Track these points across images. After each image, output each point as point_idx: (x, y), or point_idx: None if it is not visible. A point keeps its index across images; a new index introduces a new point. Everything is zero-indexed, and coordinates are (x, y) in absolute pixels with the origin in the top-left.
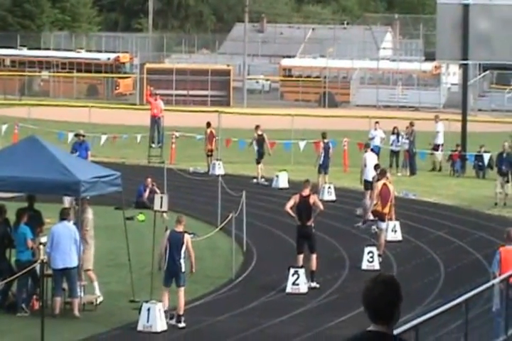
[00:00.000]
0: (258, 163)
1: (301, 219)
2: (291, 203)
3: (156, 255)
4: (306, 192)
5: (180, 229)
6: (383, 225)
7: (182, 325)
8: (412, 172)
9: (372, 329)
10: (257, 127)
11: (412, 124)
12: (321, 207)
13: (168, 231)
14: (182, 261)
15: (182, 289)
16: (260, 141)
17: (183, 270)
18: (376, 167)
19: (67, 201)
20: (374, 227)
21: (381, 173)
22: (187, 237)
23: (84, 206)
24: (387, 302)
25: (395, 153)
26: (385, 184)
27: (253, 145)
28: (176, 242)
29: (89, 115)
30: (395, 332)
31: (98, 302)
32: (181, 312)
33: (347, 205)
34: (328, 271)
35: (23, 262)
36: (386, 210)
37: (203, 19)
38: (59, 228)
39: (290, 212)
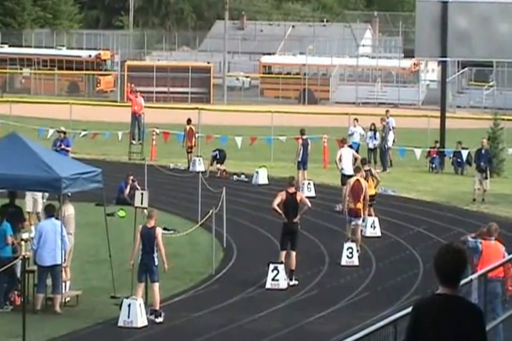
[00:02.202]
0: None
1: (287, 216)
2: (278, 200)
3: (131, 252)
4: (292, 189)
5: (151, 223)
6: (359, 221)
7: (159, 319)
8: (384, 168)
9: (440, 292)
10: None
11: (383, 120)
12: (309, 204)
13: (140, 227)
14: (155, 255)
15: (156, 284)
16: None
17: (156, 264)
18: (358, 167)
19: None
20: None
21: (355, 170)
22: (158, 232)
23: (64, 202)
24: (456, 266)
25: (372, 150)
26: (357, 180)
27: None
28: (147, 237)
29: (70, 112)
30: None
31: (67, 300)
32: (157, 308)
33: (326, 201)
34: (308, 266)
35: (4, 258)
36: (359, 206)
37: (183, 16)
38: (46, 225)
39: (278, 209)
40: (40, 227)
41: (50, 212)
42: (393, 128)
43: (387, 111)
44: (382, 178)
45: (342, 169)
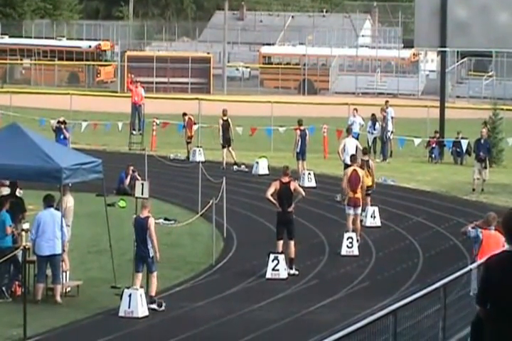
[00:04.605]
0: (223, 147)
1: (282, 206)
2: (271, 190)
3: (131, 242)
4: (285, 178)
5: (144, 214)
6: (358, 210)
7: (162, 308)
8: (384, 158)
9: (508, 249)
10: (224, 112)
11: (383, 110)
12: (303, 193)
13: (133, 217)
14: (149, 246)
15: (154, 274)
16: (226, 126)
17: (151, 255)
18: (355, 157)
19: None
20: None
21: (352, 159)
22: (150, 222)
23: (65, 193)
24: None
25: (372, 140)
26: (354, 170)
27: (219, 130)
28: (141, 228)
29: (71, 102)
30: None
31: (68, 290)
32: (153, 294)
33: (327, 191)
34: (308, 256)
35: (4, 249)
36: (358, 195)
37: (183, 7)
38: (45, 215)
39: (271, 198)
40: (39, 217)
41: (50, 202)
42: (392, 118)
43: (386, 101)
44: (382, 168)
45: (344, 159)
